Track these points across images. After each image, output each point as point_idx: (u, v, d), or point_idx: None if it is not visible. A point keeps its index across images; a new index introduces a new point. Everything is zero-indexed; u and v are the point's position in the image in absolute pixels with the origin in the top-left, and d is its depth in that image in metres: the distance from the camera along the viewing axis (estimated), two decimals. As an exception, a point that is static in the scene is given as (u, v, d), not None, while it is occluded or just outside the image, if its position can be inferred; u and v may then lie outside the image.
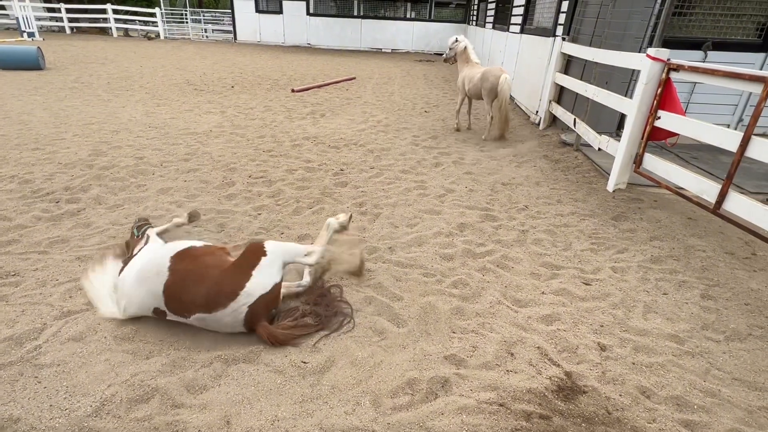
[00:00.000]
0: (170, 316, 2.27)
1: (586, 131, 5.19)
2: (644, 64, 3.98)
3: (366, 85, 10.76)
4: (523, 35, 8.94)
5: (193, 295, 2.19)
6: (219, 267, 2.27)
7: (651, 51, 3.88)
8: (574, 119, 5.56)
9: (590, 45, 5.78)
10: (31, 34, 17.40)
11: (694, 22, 6.04)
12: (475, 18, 17.00)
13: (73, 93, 8.28)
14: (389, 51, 20.46)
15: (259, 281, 2.22)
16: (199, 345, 2.24)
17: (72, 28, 22.12)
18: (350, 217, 2.66)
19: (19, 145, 5.16)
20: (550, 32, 7.24)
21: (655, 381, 2.15)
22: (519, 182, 4.77)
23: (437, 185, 4.57)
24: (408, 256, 3.18)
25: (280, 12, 20.33)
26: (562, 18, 6.90)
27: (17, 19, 17.33)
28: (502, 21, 11.34)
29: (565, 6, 6.79)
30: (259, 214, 3.77)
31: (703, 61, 5.73)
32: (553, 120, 6.92)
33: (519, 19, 9.28)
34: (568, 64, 6.44)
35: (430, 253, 3.23)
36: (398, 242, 3.37)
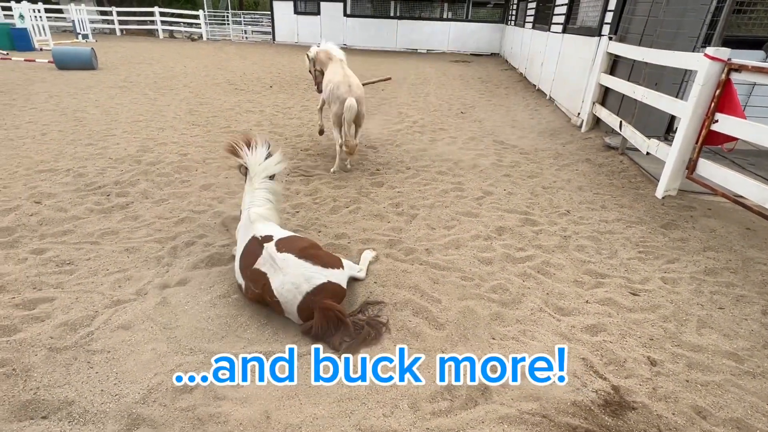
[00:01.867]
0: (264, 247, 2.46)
1: (633, 134, 4.96)
2: (702, 64, 3.76)
3: (401, 86, 10.74)
4: (566, 35, 8.67)
5: (301, 241, 2.56)
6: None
7: (710, 50, 3.66)
8: (620, 122, 5.33)
9: (639, 44, 5.52)
10: (85, 36, 18.43)
11: (754, 20, 5.68)
12: (513, 18, 16.65)
13: (123, 92, 8.68)
14: (425, 51, 20.37)
15: (342, 275, 2.54)
16: (239, 341, 2.28)
17: (122, 30, 23.29)
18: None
19: (74, 141, 5.45)
20: (595, 31, 6.99)
21: (712, 401, 2.01)
22: (560, 186, 4.62)
23: (475, 187, 4.49)
24: (445, 258, 3.13)
25: (318, 13, 20.62)
26: (608, 17, 6.64)
27: (73, 22, 18.41)
28: (542, 20, 11.05)
29: (612, 4, 6.53)
30: (297, 212, 3.81)
31: (765, 61, 5.37)
32: (597, 122, 6.67)
33: (561, 19, 9.02)
34: (614, 65, 6.19)
35: (468, 257, 3.17)
36: (435, 244, 3.32)
